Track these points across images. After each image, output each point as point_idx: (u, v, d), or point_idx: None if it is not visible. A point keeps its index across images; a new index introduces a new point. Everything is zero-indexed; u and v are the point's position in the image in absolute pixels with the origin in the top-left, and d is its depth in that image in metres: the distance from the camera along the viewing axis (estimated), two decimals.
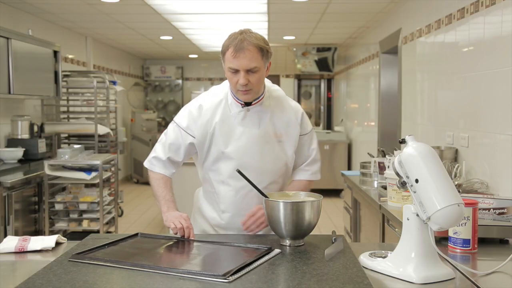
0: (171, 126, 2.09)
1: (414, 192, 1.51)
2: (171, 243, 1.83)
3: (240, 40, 1.86)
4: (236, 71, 1.90)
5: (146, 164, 2.12)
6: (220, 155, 2.01)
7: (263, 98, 2.02)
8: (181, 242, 1.84)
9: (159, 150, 2.08)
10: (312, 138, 2.17)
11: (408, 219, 1.55)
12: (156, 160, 2.08)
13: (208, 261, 1.69)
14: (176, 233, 1.86)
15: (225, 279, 1.40)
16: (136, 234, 1.91)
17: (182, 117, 2.06)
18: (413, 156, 1.52)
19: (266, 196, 1.82)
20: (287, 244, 1.78)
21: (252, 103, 1.99)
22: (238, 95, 1.97)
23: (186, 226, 1.85)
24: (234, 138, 2.00)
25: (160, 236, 1.91)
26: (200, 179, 2.19)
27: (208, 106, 2.03)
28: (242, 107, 2.00)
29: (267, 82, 2.09)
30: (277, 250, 1.69)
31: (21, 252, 1.80)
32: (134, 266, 1.52)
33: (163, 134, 2.11)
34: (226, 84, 2.07)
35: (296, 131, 2.09)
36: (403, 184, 1.55)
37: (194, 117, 2.03)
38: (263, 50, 1.90)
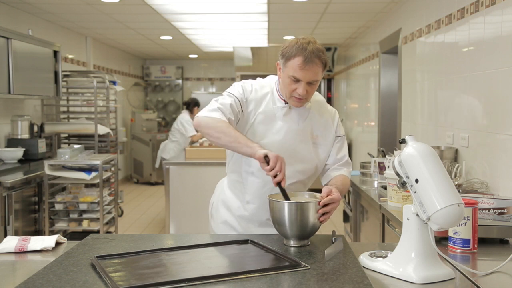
0: (225, 94, 2.01)
1: (414, 192, 1.51)
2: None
3: (311, 52, 1.87)
4: (297, 81, 1.91)
5: (206, 113, 1.94)
6: None
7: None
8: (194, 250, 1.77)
9: (218, 103, 1.95)
10: (344, 142, 2.19)
11: (408, 219, 1.55)
12: (218, 111, 1.93)
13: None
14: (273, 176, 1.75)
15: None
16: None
17: (236, 88, 2.03)
18: (413, 156, 1.52)
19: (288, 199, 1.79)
20: (292, 245, 1.77)
21: None
22: (290, 101, 1.98)
23: (278, 169, 1.74)
24: (272, 132, 2.02)
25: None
26: (226, 169, 2.18)
27: (255, 95, 2.03)
28: (285, 103, 2.02)
29: None
30: (305, 266, 1.55)
31: (21, 252, 1.80)
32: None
33: (217, 99, 1.99)
34: (271, 79, 2.09)
35: (332, 135, 2.11)
36: (403, 184, 1.55)
37: (249, 91, 2.02)
38: (326, 65, 1.93)
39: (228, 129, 1.86)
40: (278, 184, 1.76)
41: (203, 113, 1.95)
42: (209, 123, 1.90)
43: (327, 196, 1.80)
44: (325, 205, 1.79)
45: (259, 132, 2.01)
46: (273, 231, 1.90)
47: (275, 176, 1.74)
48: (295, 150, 2.02)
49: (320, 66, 1.90)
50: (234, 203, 2.13)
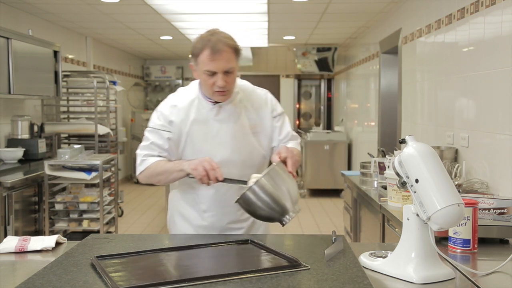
0: (146, 132, 2.03)
1: (414, 192, 1.51)
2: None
3: (216, 42, 1.84)
4: (213, 74, 1.87)
5: (138, 169, 2.01)
6: (197, 154, 1.97)
7: (233, 94, 2.00)
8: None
9: (144, 150, 2.00)
10: (284, 120, 2.12)
11: (408, 219, 1.55)
12: (146, 157, 1.99)
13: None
14: (203, 183, 1.78)
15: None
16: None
17: (155, 120, 2.02)
18: (413, 156, 1.52)
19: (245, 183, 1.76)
20: (288, 219, 1.70)
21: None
22: (214, 96, 1.94)
23: (210, 168, 1.76)
24: (210, 136, 1.99)
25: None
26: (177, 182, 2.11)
27: (181, 106, 1.99)
28: (213, 104, 1.98)
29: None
30: (305, 266, 1.54)
31: (21, 252, 1.80)
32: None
33: (139, 146, 2.04)
34: (194, 85, 2.04)
35: (268, 118, 2.06)
36: (403, 184, 1.55)
37: (166, 116, 1.99)
38: (237, 50, 1.90)
39: (158, 169, 1.94)
40: (220, 180, 1.76)
41: (140, 165, 1.99)
42: (146, 177, 1.99)
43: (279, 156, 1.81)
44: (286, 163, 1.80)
45: (197, 140, 1.98)
46: (236, 234, 1.93)
47: (210, 179, 1.76)
48: (238, 148, 1.99)
49: (230, 53, 1.86)
50: (191, 214, 2.09)
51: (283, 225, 1.72)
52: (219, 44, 1.84)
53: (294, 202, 1.72)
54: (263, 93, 2.11)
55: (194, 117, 1.98)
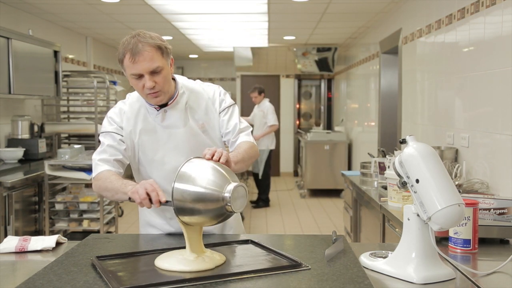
0: (100, 137, 1.98)
1: (415, 192, 1.51)
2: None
3: (135, 44, 1.79)
4: (139, 76, 1.82)
5: (92, 175, 1.94)
6: (151, 163, 1.95)
7: (178, 96, 1.95)
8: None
9: (99, 155, 1.93)
10: (233, 112, 2.03)
11: (408, 219, 1.55)
12: (100, 162, 1.91)
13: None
14: (144, 206, 1.63)
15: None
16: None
17: (106, 125, 1.98)
18: (413, 156, 1.52)
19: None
20: (232, 203, 1.50)
21: (168, 104, 1.93)
22: (148, 100, 1.89)
23: (151, 189, 1.60)
24: (162, 143, 1.94)
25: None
26: None
27: (129, 115, 1.95)
28: (158, 110, 1.93)
29: (182, 79, 2.03)
30: (305, 266, 1.54)
31: (22, 252, 1.80)
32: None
33: (95, 151, 1.98)
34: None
35: (215, 115, 2.01)
36: (403, 184, 1.55)
37: (118, 122, 1.95)
38: (161, 48, 1.83)
39: (107, 184, 1.81)
40: (163, 203, 1.59)
41: (94, 172, 1.92)
42: (97, 188, 1.89)
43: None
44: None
45: (148, 149, 1.94)
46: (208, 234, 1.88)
47: (152, 202, 1.61)
48: (191, 150, 1.92)
49: (153, 52, 1.79)
50: (157, 221, 2.05)
51: (233, 212, 1.54)
52: (139, 45, 1.79)
53: (221, 186, 1.52)
54: (211, 90, 2.04)
55: (141, 127, 1.94)
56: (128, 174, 1.99)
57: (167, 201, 1.58)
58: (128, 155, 1.96)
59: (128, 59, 1.81)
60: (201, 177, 1.53)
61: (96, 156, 1.93)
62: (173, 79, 1.97)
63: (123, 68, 1.88)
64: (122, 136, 1.94)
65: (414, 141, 1.56)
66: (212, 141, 2.00)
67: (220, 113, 2.02)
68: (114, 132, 1.94)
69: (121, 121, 1.96)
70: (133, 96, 2.00)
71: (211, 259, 1.57)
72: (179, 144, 1.94)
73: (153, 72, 1.81)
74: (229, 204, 1.50)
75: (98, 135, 5.88)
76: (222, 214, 1.54)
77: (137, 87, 1.87)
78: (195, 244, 1.62)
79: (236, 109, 2.07)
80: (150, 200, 1.60)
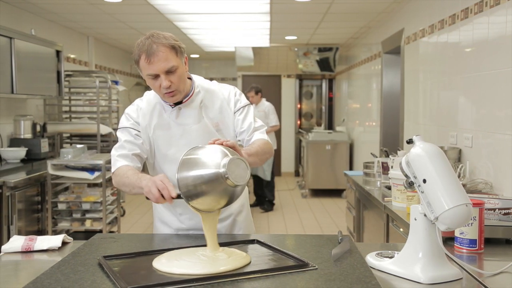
0: (117, 133, 2.03)
1: (422, 192, 1.51)
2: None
3: (149, 45, 1.84)
4: (155, 76, 1.86)
5: (112, 170, 1.98)
6: (164, 158, 1.99)
7: (193, 95, 1.99)
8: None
9: (117, 151, 1.98)
10: (248, 112, 2.06)
11: (415, 219, 1.55)
12: (119, 158, 1.95)
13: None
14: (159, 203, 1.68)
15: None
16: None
17: (124, 121, 2.02)
18: (420, 156, 1.52)
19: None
20: (233, 178, 1.51)
21: (183, 102, 1.97)
22: (165, 98, 1.94)
23: (162, 187, 1.63)
24: (175, 139, 1.98)
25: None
26: None
27: (145, 111, 2.01)
28: (173, 107, 1.98)
29: (199, 78, 2.06)
30: (312, 266, 1.54)
31: (28, 251, 1.80)
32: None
33: (114, 147, 2.02)
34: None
35: (230, 115, 2.04)
36: (410, 184, 1.55)
37: (134, 118, 2.01)
38: (175, 48, 1.87)
39: (124, 179, 1.86)
40: (175, 198, 1.62)
41: (113, 166, 1.96)
42: (117, 183, 1.94)
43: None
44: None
45: (162, 144, 1.99)
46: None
47: (165, 198, 1.64)
48: None
49: (167, 52, 1.84)
50: (169, 218, 2.09)
51: (236, 185, 1.54)
52: (153, 46, 1.83)
53: (218, 162, 1.52)
54: (227, 91, 2.07)
55: (156, 122, 1.99)
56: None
57: (178, 195, 1.62)
58: (146, 148, 2.01)
59: (144, 60, 1.85)
60: (199, 159, 1.57)
61: (115, 151, 1.99)
62: (190, 78, 2.02)
63: (139, 69, 1.92)
64: (139, 131, 1.99)
65: (421, 141, 1.56)
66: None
67: (235, 112, 2.05)
68: (130, 128, 2.00)
69: (137, 116, 2.01)
70: (150, 94, 2.05)
71: (234, 259, 1.58)
72: (192, 140, 1.95)
73: (169, 72, 1.86)
74: (227, 176, 1.50)
75: (101, 135, 5.90)
76: (226, 189, 1.55)
77: (154, 87, 1.91)
78: (213, 237, 1.66)
79: (251, 109, 2.10)
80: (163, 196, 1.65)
